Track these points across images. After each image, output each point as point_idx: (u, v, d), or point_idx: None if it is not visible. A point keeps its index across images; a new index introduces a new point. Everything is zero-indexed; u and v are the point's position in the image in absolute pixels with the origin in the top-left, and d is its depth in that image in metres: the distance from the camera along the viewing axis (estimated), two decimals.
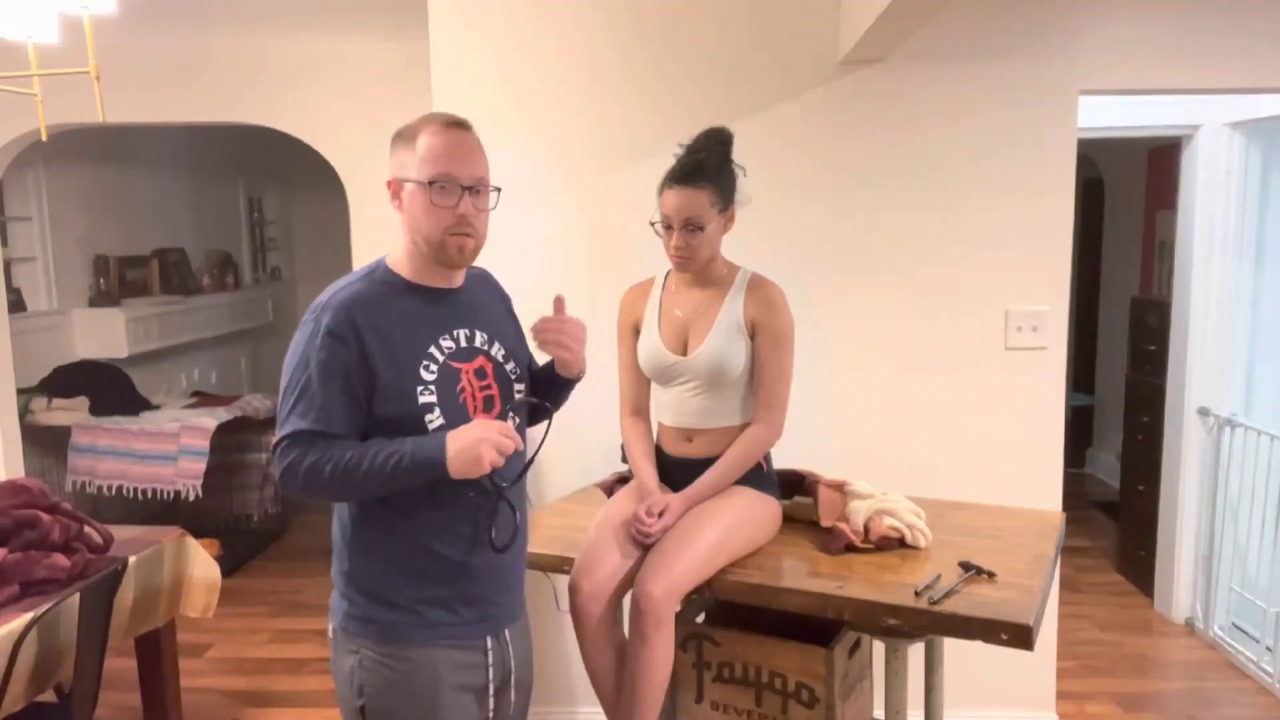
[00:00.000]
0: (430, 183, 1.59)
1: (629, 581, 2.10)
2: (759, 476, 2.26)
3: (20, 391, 4.41)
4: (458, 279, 1.73)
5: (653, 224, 2.22)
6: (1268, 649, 3.53)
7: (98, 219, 5.37)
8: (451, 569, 1.66)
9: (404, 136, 1.65)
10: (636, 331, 2.34)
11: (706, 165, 2.16)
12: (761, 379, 2.22)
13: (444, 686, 1.66)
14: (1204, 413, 3.94)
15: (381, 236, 4.00)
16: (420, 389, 1.61)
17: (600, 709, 2.22)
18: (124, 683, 3.16)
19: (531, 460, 1.76)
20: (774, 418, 2.23)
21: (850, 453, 2.86)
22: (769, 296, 2.22)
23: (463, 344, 1.68)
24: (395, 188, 1.64)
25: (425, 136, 1.61)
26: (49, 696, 2.39)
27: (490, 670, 1.71)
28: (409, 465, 1.55)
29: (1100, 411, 6.35)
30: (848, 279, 2.94)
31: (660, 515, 2.12)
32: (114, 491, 4.65)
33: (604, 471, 2.63)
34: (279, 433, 1.59)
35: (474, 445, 1.53)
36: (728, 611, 2.30)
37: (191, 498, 4.59)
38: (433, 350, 1.64)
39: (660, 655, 2.05)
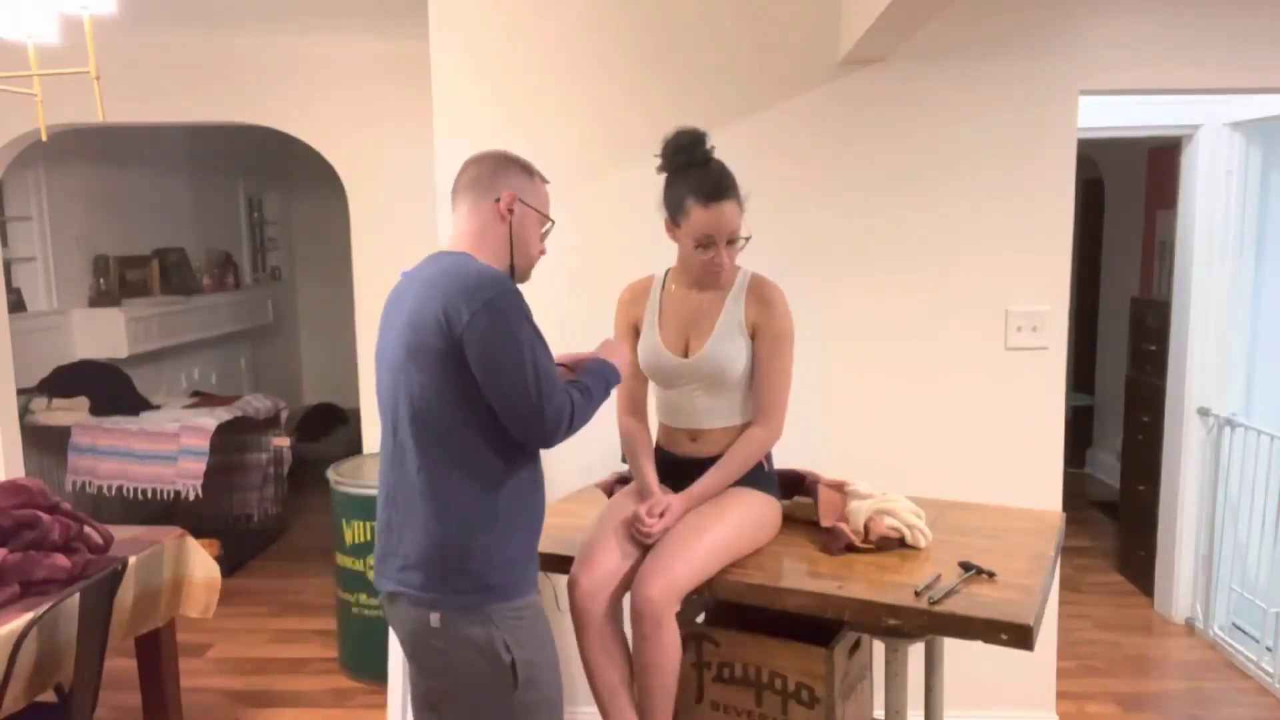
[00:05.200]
0: (551, 221, 1.99)
1: (628, 581, 2.10)
2: (760, 477, 2.26)
3: (20, 391, 4.41)
4: None
5: (696, 247, 2.16)
6: (1268, 649, 3.53)
7: (98, 219, 5.36)
8: (539, 509, 1.94)
9: (526, 167, 1.96)
10: (635, 331, 2.32)
11: (727, 173, 2.14)
12: (761, 380, 2.21)
13: (547, 616, 1.92)
14: (1204, 413, 3.94)
15: (381, 236, 4.07)
16: None
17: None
18: (124, 683, 3.16)
19: None
20: (774, 418, 2.23)
21: (850, 452, 2.87)
22: (769, 297, 2.21)
23: None
24: (511, 201, 1.90)
25: (540, 183, 1.98)
26: (49, 696, 2.38)
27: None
28: (613, 375, 1.99)
29: (1100, 411, 6.35)
30: (848, 279, 2.94)
31: (661, 516, 2.12)
32: (114, 491, 4.65)
33: (604, 471, 2.62)
34: (554, 393, 1.77)
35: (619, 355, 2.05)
36: (728, 611, 2.30)
37: (191, 498, 4.59)
38: None
39: (665, 653, 2.05)
